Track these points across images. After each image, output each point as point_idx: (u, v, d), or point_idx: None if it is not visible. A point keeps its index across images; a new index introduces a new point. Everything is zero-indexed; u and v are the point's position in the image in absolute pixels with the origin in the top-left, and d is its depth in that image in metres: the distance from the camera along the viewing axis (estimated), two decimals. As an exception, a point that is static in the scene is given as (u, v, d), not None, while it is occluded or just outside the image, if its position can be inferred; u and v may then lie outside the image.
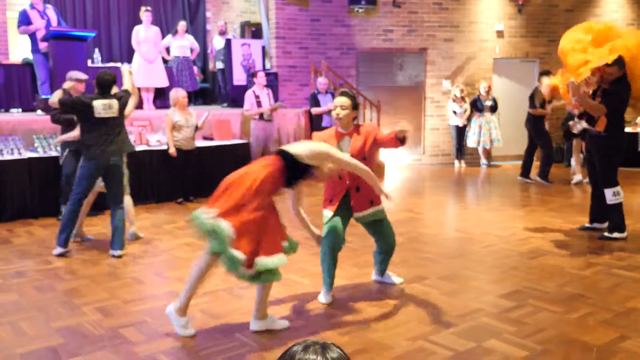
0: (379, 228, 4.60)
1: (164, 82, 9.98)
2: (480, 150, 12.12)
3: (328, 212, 4.49)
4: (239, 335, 3.78)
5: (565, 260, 5.39)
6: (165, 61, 10.70)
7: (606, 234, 6.11)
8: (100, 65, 10.14)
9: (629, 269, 5.13)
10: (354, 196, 4.42)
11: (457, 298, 4.44)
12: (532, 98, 9.75)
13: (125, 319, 4.06)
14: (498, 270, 5.17)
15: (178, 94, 7.97)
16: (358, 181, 4.31)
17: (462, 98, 11.88)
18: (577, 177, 9.72)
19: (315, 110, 10.27)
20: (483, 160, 12.18)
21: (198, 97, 12.06)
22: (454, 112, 11.91)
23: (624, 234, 6.08)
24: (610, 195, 5.96)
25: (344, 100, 4.37)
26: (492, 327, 3.88)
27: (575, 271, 5.07)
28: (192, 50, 10.97)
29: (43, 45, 8.88)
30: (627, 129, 11.18)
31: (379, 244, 4.68)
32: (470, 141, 11.96)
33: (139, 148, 8.15)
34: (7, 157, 7.18)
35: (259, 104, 9.40)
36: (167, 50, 10.78)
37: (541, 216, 7.28)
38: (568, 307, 4.23)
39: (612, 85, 5.87)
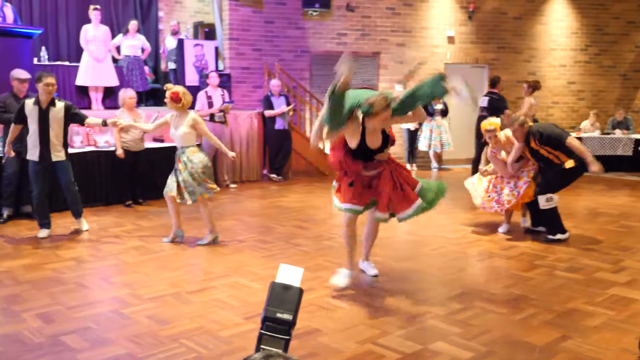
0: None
1: (113, 82, 9.76)
2: (431, 153, 12.28)
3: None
4: (185, 341, 3.71)
5: (512, 263, 5.49)
6: (115, 61, 10.48)
7: (550, 236, 6.26)
8: (46, 63, 9.85)
9: (570, 270, 5.26)
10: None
11: (406, 300, 4.46)
12: (498, 101, 9.48)
13: (68, 325, 3.93)
14: (447, 272, 5.23)
15: (125, 95, 7.82)
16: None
17: (414, 102, 11.96)
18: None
19: (268, 113, 10.21)
20: (434, 164, 12.35)
21: (149, 97, 11.85)
22: (406, 116, 12.00)
23: (566, 234, 6.27)
24: (543, 201, 6.14)
25: None
26: (439, 329, 3.92)
27: (520, 273, 5.18)
28: (143, 50, 10.78)
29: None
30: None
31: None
32: (422, 145, 12.10)
33: (86, 149, 7.95)
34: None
35: (210, 105, 9.30)
36: (118, 49, 10.55)
37: (490, 219, 7.40)
38: (513, 308, 4.30)
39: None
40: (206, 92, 9.39)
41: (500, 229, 6.68)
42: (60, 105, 6.16)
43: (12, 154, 6.48)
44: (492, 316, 4.15)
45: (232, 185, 9.73)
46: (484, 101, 9.65)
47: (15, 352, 3.53)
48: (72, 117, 6.24)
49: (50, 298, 4.46)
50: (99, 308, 4.27)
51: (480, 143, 9.80)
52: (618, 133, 12.13)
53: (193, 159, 5.88)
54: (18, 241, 6.12)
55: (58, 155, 6.19)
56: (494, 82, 9.76)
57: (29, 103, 6.08)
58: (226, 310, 4.24)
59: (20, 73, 6.94)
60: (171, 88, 5.96)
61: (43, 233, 6.31)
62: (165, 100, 5.96)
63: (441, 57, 12.69)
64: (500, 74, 12.85)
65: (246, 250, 5.87)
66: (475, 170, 9.86)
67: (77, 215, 6.54)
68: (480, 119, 9.59)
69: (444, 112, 12.05)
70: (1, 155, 7.02)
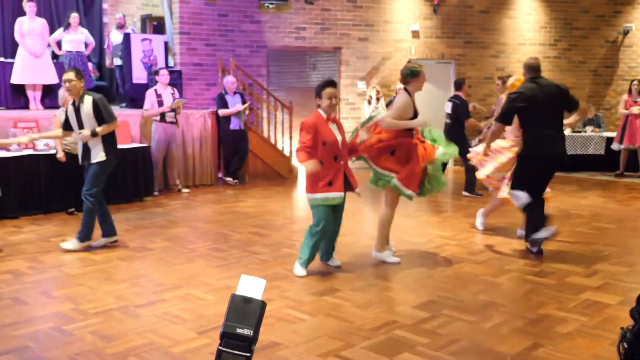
0: (341, 208, 5.43)
1: (52, 79, 9.56)
2: (396, 154, 12.35)
3: (334, 194, 5.16)
4: (134, 359, 3.65)
5: (480, 268, 5.58)
6: (56, 56, 10.28)
7: (534, 236, 5.93)
8: (-21, 59, 9.59)
9: (541, 275, 5.37)
10: (350, 174, 5.31)
11: (370, 310, 4.49)
12: (460, 107, 9.46)
13: (4, 345, 3.82)
14: (413, 279, 5.28)
15: (66, 93, 7.66)
16: (346, 159, 5.31)
17: (378, 99, 12.07)
18: None
19: (222, 112, 10.15)
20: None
21: (93, 96, 11.64)
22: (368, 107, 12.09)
23: (552, 229, 5.86)
24: (512, 199, 6.10)
25: (336, 90, 5.30)
26: (405, 339, 3.95)
27: (489, 278, 5.26)
28: (86, 45, 10.59)
29: None
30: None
31: (333, 225, 5.41)
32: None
33: (24, 152, 7.77)
34: None
35: (160, 104, 9.19)
36: (59, 44, 10.35)
37: (458, 222, 7.51)
38: (482, 315, 4.37)
39: None
40: (155, 90, 9.28)
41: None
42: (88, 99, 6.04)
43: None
44: (461, 324, 4.20)
45: (185, 190, 9.63)
46: (447, 106, 9.63)
47: (-56, 376, 3.43)
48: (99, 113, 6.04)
49: (-16, 316, 4.34)
50: (39, 325, 4.17)
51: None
52: (589, 131, 12.44)
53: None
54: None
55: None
56: (458, 85, 9.75)
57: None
58: (178, 325, 4.19)
59: None
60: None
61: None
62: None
63: (405, 53, 12.82)
64: (467, 70, 13.11)
65: (199, 260, 5.82)
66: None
67: None
68: (447, 126, 9.53)
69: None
70: None
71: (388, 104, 12.10)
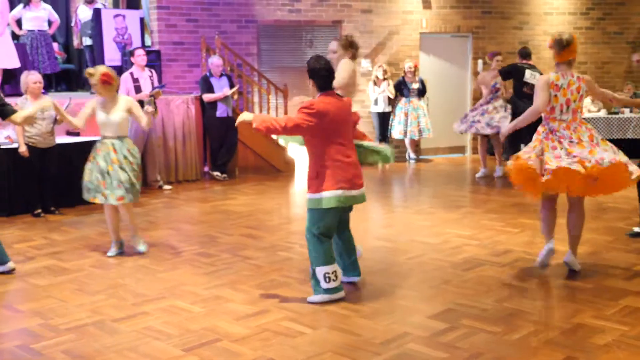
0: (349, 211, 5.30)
1: (14, 63, 9.55)
2: (407, 142, 12.38)
3: (351, 192, 4.94)
4: (112, 381, 3.66)
5: (505, 271, 5.59)
6: (16, 37, 10.25)
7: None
8: None
9: (575, 278, 5.38)
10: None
11: (380, 321, 4.50)
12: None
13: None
14: (427, 285, 5.29)
15: (29, 79, 7.67)
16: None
17: (385, 80, 12.07)
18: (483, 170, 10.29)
19: (207, 97, 10.15)
20: (411, 154, 12.46)
21: (60, 81, 11.62)
22: (376, 97, 12.09)
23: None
24: None
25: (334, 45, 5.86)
26: (420, 354, 3.96)
27: (516, 283, 5.27)
28: (50, 23, 10.57)
29: None
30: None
31: (345, 233, 5.29)
32: (395, 131, 12.18)
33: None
34: None
35: (137, 90, 9.18)
36: (18, 23, 10.33)
37: (478, 219, 7.52)
38: (508, 326, 4.38)
39: None
40: (131, 73, 9.27)
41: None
42: None
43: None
44: (483, 336, 4.21)
45: (166, 187, 9.64)
46: (534, 76, 9.53)
47: None
48: None
49: (-59, 334, 4.36)
50: (3, 343, 4.18)
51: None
52: (627, 112, 12.38)
53: (134, 152, 6.19)
54: None
55: None
56: (527, 54, 9.89)
57: None
58: (161, 341, 4.20)
59: None
60: (94, 72, 6.04)
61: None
62: (93, 85, 6.08)
63: (415, 26, 12.80)
64: (486, 44, 13.11)
65: (184, 266, 5.83)
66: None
67: None
68: (529, 97, 9.46)
69: (421, 92, 12.16)
70: None
71: (397, 85, 12.12)
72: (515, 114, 9.44)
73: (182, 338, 4.24)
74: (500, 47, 13.27)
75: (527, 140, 6.12)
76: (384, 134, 12.23)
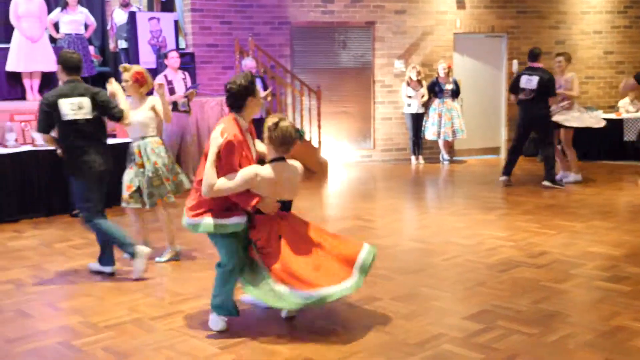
0: None
1: (51, 66, 9.72)
2: (440, 143, 12.35)
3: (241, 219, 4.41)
4: (151, 378, 3.74)
5: (541, 273, 5.56)
6: (53, 40, 10.44)
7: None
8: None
9: (614, 280, 5.33)
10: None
11: (415, 322, 4.51)
12: (551, 82, 9.35)
13: (7, 363, 3.95)
14: (463, 286, 5.29)
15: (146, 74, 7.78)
16: None
17: (419, 81, 12.04)
18: (575, 176, 9.85)
19: (242, 99, 10.20)
20: (444, 155, 12.42)
21: (96, 83, 11.78)
22: (409, 98, 12.08)
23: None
24: None
25: None
26: (456, 355, 3.97)
27: (552, 285, 5.24)
28: (86, 27, 10.74)
29: None
30: (609, 116, 11.63)
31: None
32: (429, 133, 12.16)
33: (22, 149, 7.94)
34: None
35: (172, 92, 9.30)
36: (56, 26, 10.52)
37: (513, 221, 7.48)
38: (544, 328, 4.36)
39: None
40: (165, 75, 9.38)
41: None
42: None
43: None
44: (519, 338, 4.20)
45: (201, 188, 9.72)
46: (530, 81, 9.32)
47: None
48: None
49: (-16, 331, 4.48)
50: (45, 340, 4.28)
51: (524, 130, 9.66)
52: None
53: (160, 152, 6.05)
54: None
55: None
56: (535, 56, 9.62)
57: None
58: (198, 339, 4.27)
59: None
60: (130, 68, 6.04)
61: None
62: (125, 83, 6.01)
63: (449, 26, 12.77)
64: (522, 44, 13.01)
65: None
66: (513, 162, 9.82)
67: None
68: (525, 103, 9.39)
69: (455, 93, 12.12)
70: None
71: (431, 86, 12.08)
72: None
73: (218, 336, 4.30)
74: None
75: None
76: (417, 135, 12.22)
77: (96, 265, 5.76)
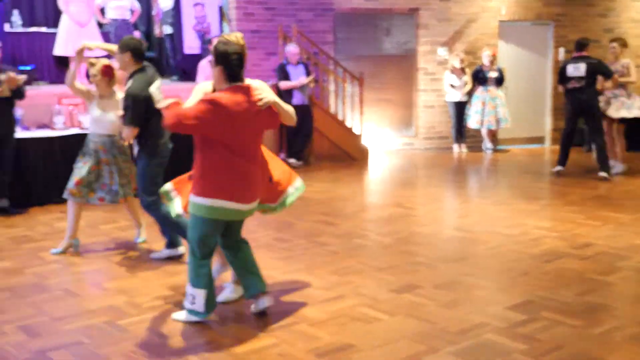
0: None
1: (98, 51, 9.84)
2: (484, 131, 12.23)
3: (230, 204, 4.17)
4: (193, 357, 3.78)
5: (587, 264, 5.48)
6: (100, 25, 10.58)
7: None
8: (20, 30, 9.99)
9: (660, 273, 5.24)
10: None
11: (456, 310, 4.49)
12: (601, 65, 9.22)
13: (56, 340, 4.03)
14: (506, 276, 5.24)
15: (114, 66, 7.89)
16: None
17: (462, 69, 11.94)
18: (620, 166, 9.70)
19: (284, 85, 10.25)
20: (487, 144, 12.29)
21: (141, 68, 11.92)
22: (452, 86, 11.98)
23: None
24: None
25: None
26: (499, 345, 3.94)
27: (598, 277, 5.16)
28: (132, 12, 10.85)
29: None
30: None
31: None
32: (472, 121, 12.05)
33: (69, 132, 8.07)
34: None
35: (216, 77, 9.35)
36: (102, 11, 10.65)
37: (558, 211, 7.39)
38: (589, 320, 4.30)
39: None
40: (210, 61, 9.43)
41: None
42: None
43: None
44: (564, 329, 4.15)
45: (243, 173, 9.78)
46: (577, 68, 9.21)
47: (-5, 372, 3.65)
48: None
49: (34, 308, 4.58)
50: (91, 319, 4.36)
51: (573, 119, 9.52)
52: None
53: (126, 150, 5.99)
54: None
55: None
56: (582, 46, 9.44)
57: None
58: (241, 322, 4.31)
59: None
60: (96, 62, 5.88)
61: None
62: (93, 78, 5.87)
63: (494, 14, 12.60)
64: (569, 32, 12.79)
65: (261, 250, 5.91)
66: (563, 154, 9.67)
67: None
68: (581, 90, 9.28)
69: (499, 81, 11.97)
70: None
71: (475, 74, 11.96)
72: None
73: (260, 320, 4.33)
74: (582, 36, 12.93)
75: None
76: (459, 123, 12.12)
77: (164, 252, 5.74)
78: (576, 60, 9.31)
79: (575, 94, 9.24)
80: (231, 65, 4.16)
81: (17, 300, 4.75)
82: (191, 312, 4.26)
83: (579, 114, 9.36)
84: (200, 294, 4.22)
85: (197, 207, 4.14)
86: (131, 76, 5.43)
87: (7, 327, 4.24)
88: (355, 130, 11.28)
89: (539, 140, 13.19)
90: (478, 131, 12.33)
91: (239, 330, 4.17)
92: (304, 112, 10.34)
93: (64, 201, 7.81)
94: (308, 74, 10.38)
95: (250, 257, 4.49)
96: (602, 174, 9.17)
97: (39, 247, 6.12)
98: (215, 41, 4.30)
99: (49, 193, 7.73)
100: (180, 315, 4.34)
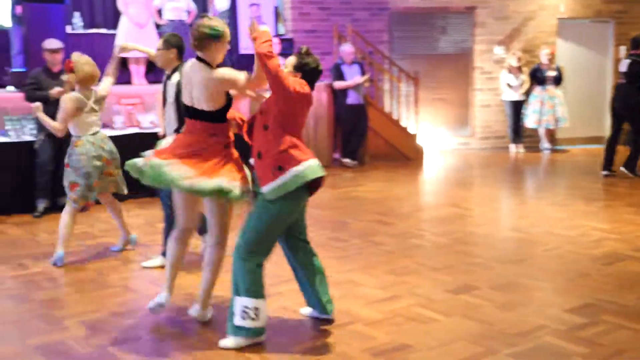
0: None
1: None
2: (541, 131, 12.05)
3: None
4: (251, 355, 3.81)
5: (648, 267, 5.36)
6: (157, 26, 10.76)
7: None
8: (81, 32, 10.21)
9: None
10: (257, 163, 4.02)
11: (514, 312, 4.43)
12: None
13: (116, 334, 4.12)
14: (565, 278, 5.15)
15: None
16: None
17: (519, 68, 11.80)
18: None
19: (338, 84, 10.26)
20: (545, 144, 12.10)
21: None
22: (509, 85, 11.84)
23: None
24: None
25: None
26: (558, 348, 3.87)
27: (660, 280, 5.04)
28: (188, 13, 11.00)
29: (19, 10, 9.01)
30: None
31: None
32: (530, 120, 11.89)
33: (128, 131, 8.22)
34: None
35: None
36: (160, 13, 10.83)
37: (618, 212, 7.23)
38: (652, 323, 4.21)
39: None
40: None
41: None
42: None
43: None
44: (626, 333, 4.06)
45: (297, 173, 9.83)
46: (623, 65, 9.25)
47: (59, 364, 3.75)
48: None
49: (95, 303, 4.69)
50: (150, 315, 4.42)
51: (616, 119, 9.36)
52: None
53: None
54: (55, 238, 6.41)
55: None
56: (636, 44, 9.25)
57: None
58: (296, 321, 4.33)
59: (50, 43, 7.30)
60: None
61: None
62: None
63: (553, 11, 12.40)
64: (629, 29, 12.47)
65: (316, 250, 5.90)
66: (609, 155, 9.45)
67: None
68: (620, 87, 9.22)
69: (558, 80, 11.79)
70: (35, 139, 7.37)
71: (532, 73, 11.80)
72: None
73: (316, 319, 4.34)
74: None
75: None
76: (517, 123, 11.96)
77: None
78: (629, 57, 9.19)
79: (617, 92, 9.15)
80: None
81: (78, 296, 4.88)
82: (249, 331, 3.88)
83: (620, 113, 9.18)
84: (263, 305, 3.93)
85: (292, 179, 3.84)
86: (173, 71, 5.48)
87: (69, 321, 4.35)
88: (410, 130, 11.23)
89: (598, 140, 12.87)
90: (535, 131, 12.15)
91: (294, 330, 4.19)
92: (359, 111, 10.39)
93: (123, 199, 8.01)
94: (363, 73, 10.37)
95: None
96: (623, 169, 9.22)
97: (98, 243, 6.27)
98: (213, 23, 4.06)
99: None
100: (229, 341, 3.91)
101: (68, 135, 5.81)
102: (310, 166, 3.91)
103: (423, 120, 11.62)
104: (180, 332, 4.17)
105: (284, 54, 10.07)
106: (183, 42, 5.57)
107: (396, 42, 12.02)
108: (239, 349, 3.87)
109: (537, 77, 11.75)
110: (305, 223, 4.36)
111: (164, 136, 5.68)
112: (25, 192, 7.41)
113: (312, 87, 4.06)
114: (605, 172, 9.37)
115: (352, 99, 10.28)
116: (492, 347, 3.89)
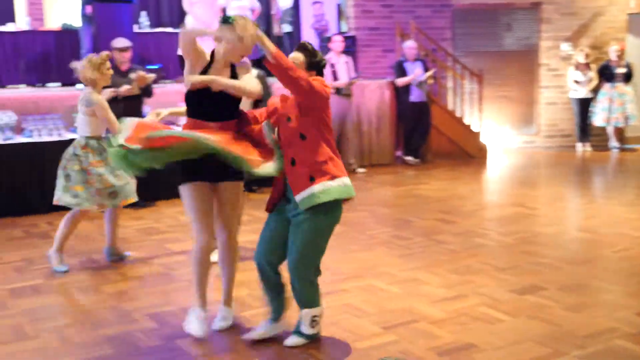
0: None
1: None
2: (610, 129, 11.76)
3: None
4: (314, 352, 3.83)
5: None
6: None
7: None
8: (147, 30, 10.43)
9: None
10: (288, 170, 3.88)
11: (583, 314, 4.34)
12: None
13: (183, 328, 4.18)
14: (635, 280, 5.03)
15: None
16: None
17: (587, 65, 11.54)
18: None
19: (400, 81, 10.22)
20: (614, 143, 11.81)
21: (261, 66, 12.19)
22: (577, 83, 11.60)
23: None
24: None
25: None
26: (630, 351, 3.78)
27: None
28: (252, 11, 11.11)
29: (88, 9, 9.25)
30: None
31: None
32: (598, 119, 11.63)
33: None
34: (45, 138, 7.53)
35: (334, 75, 9.44)
36: (224, 11, 10.96)
37: (691, 213, 7.02)
38: None
39: None
40: (329, 59, 9.54)
41: None
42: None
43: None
44: (701, 337, 3.95)
45: (360, 170, 9.85)
46: None
47: (128, 354, 3.85)
48: None
49: (162, 297, 4.80)
50: (217, 310, 4.49)
51: None
52: None
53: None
54: (122, 232, 6.57)
55: None
56: None
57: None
58: (360, 318, 4.34)
59: (119, 42, 7.48)
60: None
61: None
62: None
63: (623, 7, 12.10)
64: None
65: (380, 248, 5.95)
66: None
67: None
68: None
69: (628, 77, 11.50)
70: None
71: (601, 70, 11.54)
72: None
73: (380, 316, 4.35)
74: None
75: None
76: (584, 121, 11.71)
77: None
78: None
79: None
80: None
81: (146, 289, 4.99)
82: (310, 336, 3.95)
83: None
84: (319, 311, 3.95)
85: (338, 191, 3.82)
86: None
87: (138, 314, 4.47)
88: (474, 128, 11.11)
89: (671, 138, 12.55)
90: (603, 129, 11.86)
91: (358, 327, 4.19)
92: (422, 109, 10.33)
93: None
94: (426, 70, 10.30)
95: None
96: None
97: (165, 238, 6.41)
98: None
99: (174, 187, 8.01)
100: (293, 339, 3.97)
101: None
102: (340, 185, 3.84)
103: (487, 118, 11.49)
104: (243, 329, 4.22)
105: (346, 51, 10.10)
106: None
107: (459, 39, 11.89)
108: (302, 346, 3.91)
109: (606, 74, 11.48)
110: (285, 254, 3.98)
111: None
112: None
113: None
114: None
115: (415, 96, 10.23)
116: (560, 348, 3.82)
